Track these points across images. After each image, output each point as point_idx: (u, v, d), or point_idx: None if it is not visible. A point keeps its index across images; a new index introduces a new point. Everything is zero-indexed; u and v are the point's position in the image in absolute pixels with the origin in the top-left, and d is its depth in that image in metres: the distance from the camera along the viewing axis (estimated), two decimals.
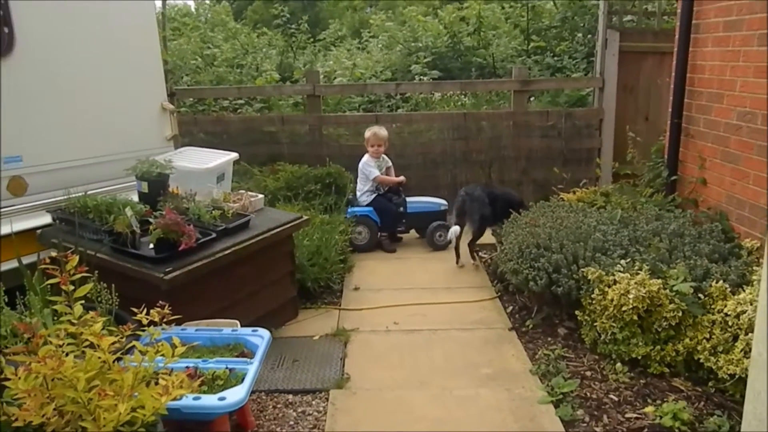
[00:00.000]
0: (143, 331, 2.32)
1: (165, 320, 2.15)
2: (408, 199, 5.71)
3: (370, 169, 5.61)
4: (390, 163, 5.84)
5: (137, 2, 4.16)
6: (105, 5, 3.96)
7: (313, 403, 3.18)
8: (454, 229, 5.15)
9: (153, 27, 4.32)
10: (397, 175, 5.80)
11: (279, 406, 3.17)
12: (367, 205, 5.61)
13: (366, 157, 5.69)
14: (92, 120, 3.92)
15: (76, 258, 2.22)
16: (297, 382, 3.35)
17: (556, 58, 8.20)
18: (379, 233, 5.64)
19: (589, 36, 8.09)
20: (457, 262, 5.17)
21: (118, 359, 2.18)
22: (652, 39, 6.43)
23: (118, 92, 4.08)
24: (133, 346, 2.16)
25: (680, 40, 4.73)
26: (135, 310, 2.20)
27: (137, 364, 2.05)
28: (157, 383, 2.13)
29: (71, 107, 3.80)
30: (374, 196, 5.65)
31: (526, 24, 8.94)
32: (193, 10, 13.45)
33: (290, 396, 3.24)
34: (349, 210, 5.58)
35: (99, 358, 2.08)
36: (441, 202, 5.79)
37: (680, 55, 4.75)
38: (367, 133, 5.72)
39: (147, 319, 2.15)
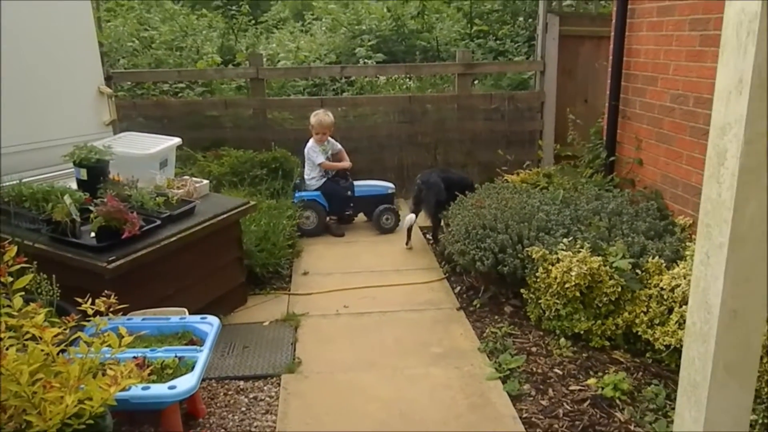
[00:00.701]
0: (87, 321, 2.26)
1: (111, 310, 2.09)
2: (356, 182, 5.71)
3: (315, 154, 5.59)
4: (339, 147, 5.83)
5: None
6: None
7: (265, 388, 3.17)
8: (410, 217, 5.22)
9: (87, 7, 4.14)
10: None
11: (230, 392, 3.14)
12: (315, 190, 5.58)
13: (311, 143, 5.65)
14: (25, 105, 3.75)
15: (14, 249, 2.14)
16: (248, 369, 3.33)
17: (498, 42, 8.31)
18: (327, 217, 5.63)
19: (530, 20, 8.24)
20: (406, 244, 5.22)
21: (62, 351, 2.12)
22: (590, 23, 6.61)
23: (52, 75, 3.91)
24: (78, 338, 2.11)
25: (617, 24, 4.88)
26: (79, 300, 2.14)
27: (83, 355, 1.99)
28: (104, 374, 2.09)
29: (3, 91, 3.62)
30: (323, 180, 5.63)
31: (468, 8, 9.01)
32: None
33: (241, 382, 3.22)
34: (296, 195, 5.54)
35: (42, 350, 2.02)
36: (388, 185, 5.80)
37: (617, 39, 4.90)
38: (312, 120, 5.67)
39: (92, 309, 2.09)
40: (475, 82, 7.59)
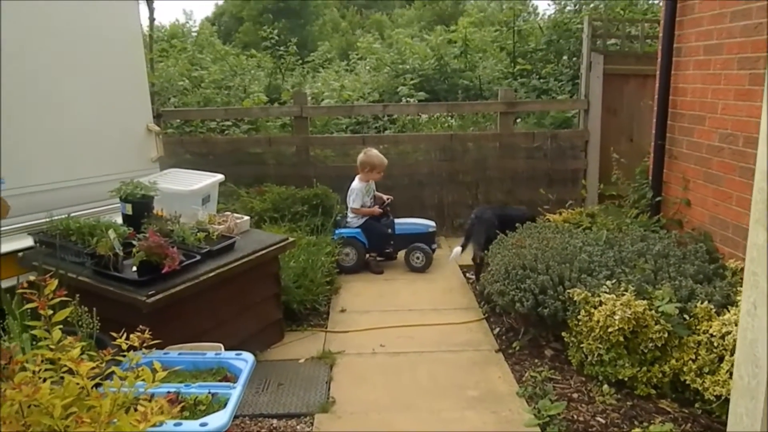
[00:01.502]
0: (124, 356, 2.28)
1: (145, 345, 2.11)
2: (397, 220, 5.67)
3: (357, 197, 5.60)
4: (374, 187, 5.83)
5: (123, 23, 4.16)
6: (91, 25, 3.95)
7: (298, 427, 3.14)
8: (456, 250, 5.23)
9: (139, 48, 4.32)
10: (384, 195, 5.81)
11: (263, 430, 3.12)
12: (356, 227, 5.58)
13: (357, 183, 5.65)
14: (76, 142, 3.90)
15: (55, 282, 2.19)
16: (281, 406, 3.30)
17: (541, 80, 8.29)
18: (367, 254, 5.62)
19: (574, 59, 8.20)
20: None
21: (97, 385, 2.14)
22: (635, 62, 6.53)
23: (103, 114, 4.07)
24: (113, 372, 2.12)
25: (662, 63, 4.81)
26: (114, 334, 2.16)
27: (116, 390, 2.00)
28: (136, 410, 2.09)
29: (55, 129, 3.78)
30: (364, 218, 5.62)
31: (512, 47, 9.04)
32: (184, 24, 13.48)
33: (274, 420, 3.19)
34: (336, 231, 5.56)
35: (77, 384, 2.04)
36: (429, 223, 5.74)
37: (663, 77, 4.82)
38: (374, 159, 5.64)
39: (126, 344, 2.11)
40: (518, 120, 7.56)
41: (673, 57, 4.75)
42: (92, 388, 2.10)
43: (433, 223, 5.77)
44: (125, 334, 2.16)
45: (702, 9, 4.35)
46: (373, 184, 5.79)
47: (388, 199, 5.73)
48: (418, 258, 5.54)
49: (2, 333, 2.66)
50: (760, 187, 1.35)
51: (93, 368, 2.07)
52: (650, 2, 9.16)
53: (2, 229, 3.46)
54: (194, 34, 13.50)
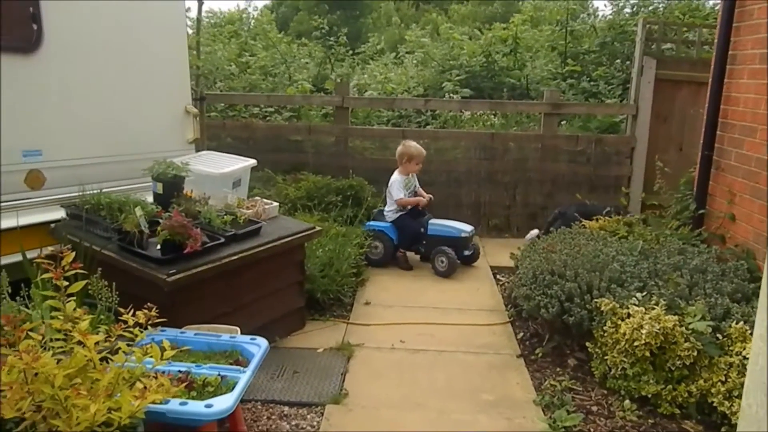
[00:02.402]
0: (142, 331, 2.31)
1: (151, 323, 2.13)
2: (433, 221, 5.49)
3: (397, 190, 5.47)
4: (417, 183, 5.72)
5: (166, 5, 4.21)
6: (134, 6, 4.02)
7: (308, 416, 3.13)
8: (533, 232, 5.43)
9: (182, 31, 4.38)
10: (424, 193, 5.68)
11: (273, 417, 3.13)
12: (390, 222, 5.49)
13: (397, 175, 5.55)
14: (113, 119, 3.97)
15: (72, 254, 2.23)
16: (294, 394, 3.30)
17: (592, 83, 8.07)
18: (396, 250, 5.52)
19: (627, 63, 7.95)
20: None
21: (105, 359, 2.17)
22: (689, 68, 6.30)
23: (141, 93, 4.13)
24: (122, 346, 2.15)
25: (715, 70, 4.61)
26: (121, 310, 2.19)
27: (120, 364, 2.03)
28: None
29: (93, 106, 3.86)
30: (399, 214, 5.51)
31: (564, 47, 8.83)
32: (243, 11, 13.68)
33: (286, 408, 3.20)
34: (367, 224, 5.54)
35: (85, 356, 2.07)
36: (464, 228, 5.44)
37: (714, 85, 4.62)
38: (411, 149, 5.52)
39: (133, 320, 2.13)
40: (563, 122, 7.38)
41: (727, 64, 4.54)
42: (101, 361, 2.14)
43: (469, 228, 5.50)
44: (132, 311, 2.18)
45: (761, 15, 4.14)
46: (415, 180, 5.67)
47: (428, 197, 5.58)
48: (441, 262, 5.31)
49: (27, 300, 2.73)
50: None
51: (99, 342, 2.10)
52: (712, 7, 8.80)
53: (36, 200, 3.56)
54: (252, 21, 13.65)
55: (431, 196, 5.62)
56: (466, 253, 5.41)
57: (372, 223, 5.55)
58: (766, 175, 4.01)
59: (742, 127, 4.34)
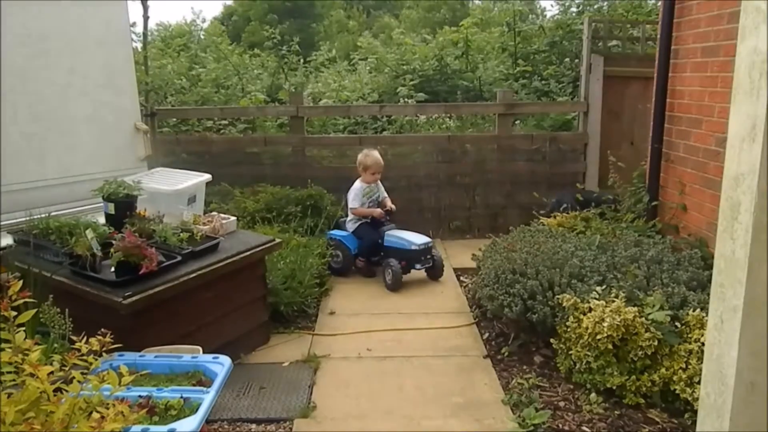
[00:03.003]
0: (97, 358, 2.23)
1: (105, 349, 2.05)
2: (390, 232, 5.31)
3: (355, 198, 5.40)
4: (385, 194, 5.60)
5: (109, 20, 4.12)
6: (75, 22, 3.91)
7: None
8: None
9: (127, 46, 4.29)
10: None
11: None
12: (352, 232, 5.43)
13: (358, 183, 5.47)
14: (59, 140, 3.86)
15: (19, 283, 2.14)
16: (261, 411, 3.25)
17: (543, 82, 8.20)
18: (355, 259, 5.45)
19: (576, 61, 8.10)
20: None
21: (60, 389, 2.09)
22: (637, 64, 6.44)
23: (87, 112, 4.03)
24: (76, 375, 2.07)
25: (660, 65, 4.73)
26: (74, 338, 2.11)
27: (74, 394, 1.95)
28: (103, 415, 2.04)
29: (37, 126, 3.74)
30: (359, 223, 5.44)
31: (514, 48, 8.95)
32: (191, 23, 13.50)
33: (253, 425, 3.14)
34: (328, 233, 5.50)
35: (38, 388, 1.99)
36: (414, 240, 5.16)
37: (660, 80, 4.74)
38: (367, 159, 5.43)
39: (87, 347, 2.05)
40: (517, 122, 7.48)
41: (670, 59, 4.66)
42: (56, 392, 2.05)
43: (422, 240, 5.21)
44: (86, 338, 2.10)
45: (700, 10, 4.27)
46: (379, 188, 5.59)
47: (389, 208, 5.46)
48: (388, 275, 5.14)
49: None
50: (727, 195, 1.28)
51: (54, 372, 2.02)
52: (654, 3, 9.05)
53: None
54: (201, 33, 13.49)
55: (393, 207, 5.49)
56: (418, 266, 5.17)
57: (333, 232, 5.53)
58: (714, 165, 4.12)
59: (689, 120, 4.46)
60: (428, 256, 5.23)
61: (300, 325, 4.35)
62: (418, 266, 5.18)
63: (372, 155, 5.49)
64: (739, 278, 1.25)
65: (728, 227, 1.29)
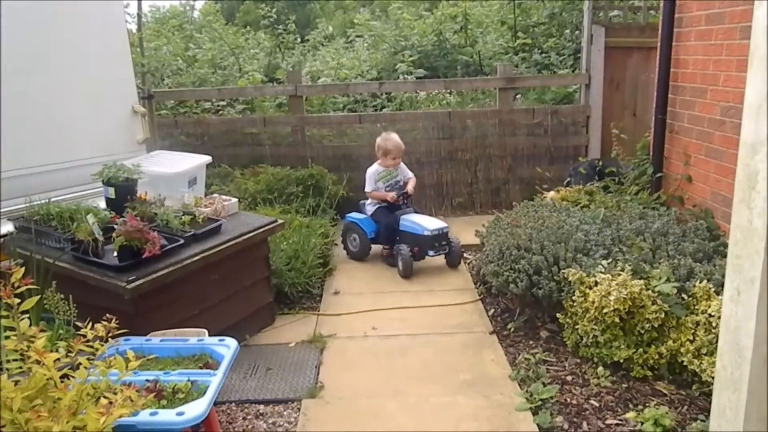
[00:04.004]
0: (103, 344, 2.21)
1: (111, 335, 2.04)
2: (405, 216, 5.08)
3: (370, 180, 5.22)
4: (411, 175, 5.39)
5: (104, 3, 4.04)
6: (70, 6, 3.84)
7: (285, 413, 3.08)
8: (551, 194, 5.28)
9: (121, 28, 4.21)
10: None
11: (249, 417, 3.07)
12: (369, 215, 5.27)
13: (374, 166, 5.28)
14: (57, 125, 3.81)
15: (21, 270, 2.12)
16: (269, 392, 3.25)
17: (543, 55, 8.09)
18: (371, 244, 5.25)
19: (577, 32, 7.99)
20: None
21: (67, 376, 2.08)
22: (638, 34, 6.36)
23: (84, 96, 3.96)
24: (83, 362, 2.06)
25: (663, 34, 4.65)
26: (79, 324, 2.09)
27: (81, 380, 1.94)
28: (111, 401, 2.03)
29: (34, 111, 3.69)
30: (376, 207, 5.25)
31: (513, 21, 8.83)
32: (186, 3, 13.34)
33: (261, 406, 3.14)
34: (346, 216, 5.40)
35: (44, 375, 1.98)
36: (426, 225, 4.91)
37: (663, 49, 4.66)
38: (387, 143, 5.20)
39: (92, 333, 2.04)
40: (518, 96, 7.40)
41: (674, 27, 4.58)
42: (62, 379, 2.04)
43: (438, 225, 4.95)
44: (91, 323, 2.08)
45: None
46: (402, 171, 5.36)
47: (407, 191, 5.23)
48: (399, 261, 4.93)
49: None
50: (744, 164, 1.25)
51: (60, 358, 2.01)
52: None
53: None
54: (196, 13, 13.33)
55: (411, 190, 5.28)
56: (431, 253, 4.90)
57: (351, 215, 5.39)
58: (719, 135, 4.08)
59: (693, 89, 4.40)
60: (443, 243, 4.95)
61: (305, 306, 4.34)
62: (431, 253, 4.90)
63: (392, 139, 5.23)
64: (757, 249, 1.22)
65: (745, 197, 1.26)
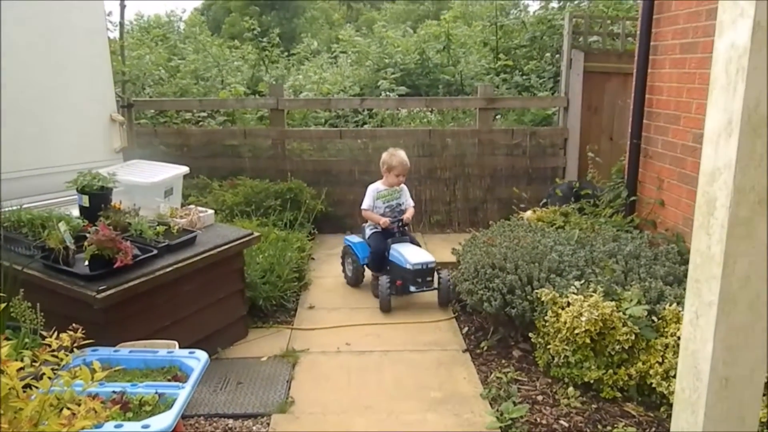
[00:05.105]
0: (68, 354, 2.18)
1: (76, 345, 2.01)
2: (396, 245, 4.65)
3: (368, 197, 4.84)
4: (410, 203, 4.98)
5: (85, 11, 4.03)
6: (48, 11, 3.82)
7: (254, 428, 3.05)
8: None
9: (102, 35, 4.20)
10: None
11: (218, 431, 3.03)
12: (364, 239, 4.94)
13: (375, 184, 4.91)
14: (32, 131, 3.78)
15: None
16: (239, 406, 3.21)
17: (524, 77, 8.22)
18: (364, 270, 4.95)
19: (557, 56, 8.14)
20: None
21: (29, 386, 2.04)
22: (617, 60, 6.48)
23: (61, 102, 3.94)
24: (46, 372, 2.02)
25: (639, 61, 4.75)
26: (44, 333, 2.07)
27: (44, 390, 1.90)
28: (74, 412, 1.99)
29: (10, 117, 3.65)
30: (373, 230, 4.85)
31: (495, 42, 8.96)
32: (171, 14, 13.33)
33: (230, 421, 3.11)
34: (345, 237, 5.15)
35: (7, 384, 1.94)
36: (412, 260, 4.45)
37: (639, 76, 4.77)
38: (392, 159, 4.82)
39: (57, 343, 2.01)
40: (498, 117, 7.49)
41: (650, 55, 4.69)
42: (26, 388, 2.01)
43: (423, 260, 4.48)
44: (57, 333, 2.05)
45: (678, 7, 4.30)
46: (403, 194, 4.96)
47: (405, 219, 4.81)
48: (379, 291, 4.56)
49: None
50: (703, 190, 1.28)
51: (22, 368, 1.98)
52: (634, 0, 9.11)
53: None
54: (181, 23, 13.33)
55: (408, 219, 4.85)
56: (412, 288, 4.45)
57: (348, 237, 5.11)
58: (691, 161, 4.16)
59: (667, 116, 4.50)
60: (428, 278, 4.50)
61: (279, 320, 4.32)
62: (412, 288, 4.45)
63: (398, 155, 4.84)
64: (715, 274, 1.25)
65: (704, 223, 1.29)
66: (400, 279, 4.50)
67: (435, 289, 4.58)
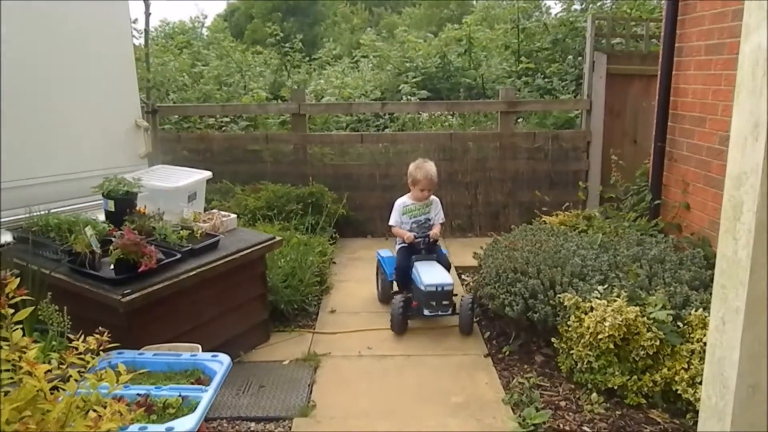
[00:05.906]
0: (94, 357, 2.22)
1: (102, 348, 2.04)
2: (420, 263, 4.33)
3: (396, 211, 4.59)
4: (441, 218, 4.69)
5: (110, 18, 4.10)
6: (76, 20, 3.90)
7: (276, 431, 3.07)
8: None
9: (127, 42, 4.27)
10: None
11: None
12: (396, 254, 4.63)
13: (402, 198, 4.64)
14: (58, 136, 3.85)
15: (16, 280, 2.13)
16: (261, 409, 3.23)
17: (546, 80, 8.17)
18: (392, 286, 4.64)
19: (579, 59, 8.07)
20: None
21: (56, 388, 2.08)
22: (640, 62, 6.40)
23: (88, 108, 4.02)
24: (72, 375, 2.06)
25: (663, 63, 4.70)
26: (71, 336, 2.10)
27: (71, 393, 1.94)
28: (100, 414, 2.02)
29: (37, 123, 3.73)
30: (401, 245, 4.56)
31: (517, 45, 8.92)
32: (195, 20, 13.54)
33: (252, 424, 3.13)
34: (377, 251, 4.93)
35: (35, 386, 1.98)
36: (427, 281, 4.09)
37: (663, 78, 4.71)
38: (417, 172, 4.51)
39: (84, 346, 2.04)
40: (520, 120, 7.45)
41: (674, 57, 4.63)
42: (53, 390, 2.04)
43: (439, 281, 4.09)
44: (83, 336, 2.09)
45: (703, 8, 4.24)
46: (433, 208, 4.66)
47: (433, 235, 4.47)
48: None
49: None
50: (730, 194, 1.26)
51: (49, 370, 2.01)
52: (658, 1, 9.00)
53: None
54: (205, 30, 13.51)
55: (437, 235, 4.52)
56: (426, 312, 4.07)
57: (380, 251, 4.86)
58: (717, 164, 4.10)
59: (692, 118, 4.44)
60: (443, 302, 4.10)
61: (300, 324, 4.34)
62: (426, 312, 4.08)
63: (424, 168, 4.51)
64: (741, 279, 1.23)
65: (730, 227, 1.27)
66: (417, 300, 4.18)
67: (454, 314, 4.19)
